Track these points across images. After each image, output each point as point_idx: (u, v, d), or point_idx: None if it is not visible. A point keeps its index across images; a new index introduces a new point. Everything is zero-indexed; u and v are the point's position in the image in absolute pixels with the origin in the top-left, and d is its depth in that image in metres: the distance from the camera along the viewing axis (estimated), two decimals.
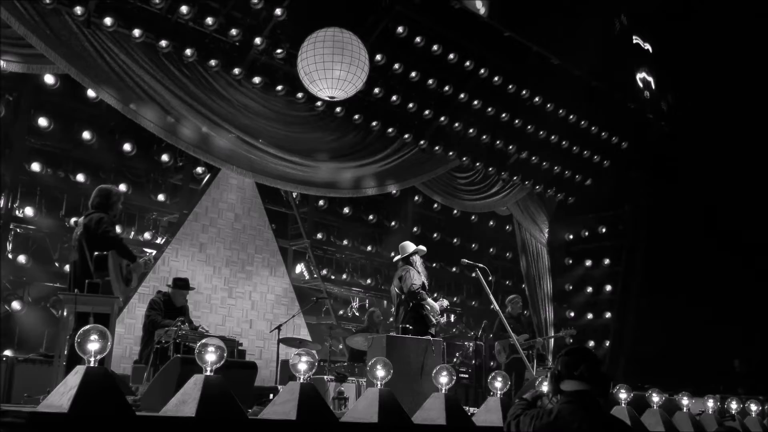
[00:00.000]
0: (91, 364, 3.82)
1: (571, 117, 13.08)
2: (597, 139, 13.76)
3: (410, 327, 7.93)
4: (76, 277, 6.77)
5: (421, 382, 7.14)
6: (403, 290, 8.18)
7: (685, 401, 7.57)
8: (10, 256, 9.31)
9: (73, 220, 7.14)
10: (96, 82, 8.83)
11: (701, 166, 13.42)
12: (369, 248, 13.54)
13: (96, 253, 6.67)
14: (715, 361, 12.21)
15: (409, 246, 8.59)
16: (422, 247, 8.62)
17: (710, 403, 7.93)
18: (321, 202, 12.71)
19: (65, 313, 6.42)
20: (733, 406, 8.07)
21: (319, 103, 10.50)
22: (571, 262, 15.60)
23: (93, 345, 3.83)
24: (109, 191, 7.25)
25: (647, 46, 14.68)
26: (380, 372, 5.22)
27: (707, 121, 13.47)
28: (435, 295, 8.47)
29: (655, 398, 7.13)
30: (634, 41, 14.54)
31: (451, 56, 11.20)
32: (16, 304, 9.12)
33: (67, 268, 9.63)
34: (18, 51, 8.44)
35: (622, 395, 6.73)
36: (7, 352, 8.43)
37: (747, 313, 12.37)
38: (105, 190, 7.24)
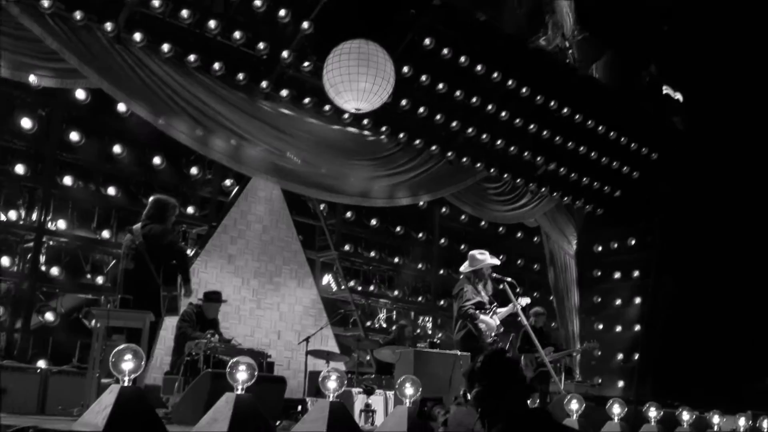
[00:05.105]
0: (125, 383, 3.87)
1: (600, 128, 13.00)
2: (626, 150, 13.67)
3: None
4: (127, 286, 6.86)
5: (449, 397, 7.13)
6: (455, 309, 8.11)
7: (716, 419, 7.48)
8: (43, 268, 9.46)
9: (134, 227, 7.24)
10: (128, 95, 8.94)
11: (732, 177, 13.28)
12: (396, 260, 13.55)
13: (173, 262, 6.80)
14: (746, 377, 12.03)
15: (476, 259, 8.18)
16: (492, 261, 8.21)
17: (742, 421, 7.81)
18: (348, 214, 12.75)
19: (98, 325, 6.53)
20: (765, 424, 7.95)
21: (346, 116, 10.54)
22: (599, 274, 15.49)
23: (127, 364, 3.88)
24: (166, 204, 7.33)
25: (678, 96, 14.61)
26: (409, 390, 5.23)
27: (739, 135, 13.33)
28: (491, 307, 8.16)
29: (686, 416, 7.05)
30: (665, 91, 14.49)
31: (479, 68, 11.20)
32: (49, 315, 9.27)
33: (99, 279, 9.85)
34: (51, 66, 8.57)
35: (652, 413, 6.67)
36: (41, 363, 8.56)
37: None
38: (162, 203, 7.32)
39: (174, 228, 7.25)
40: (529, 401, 5.89)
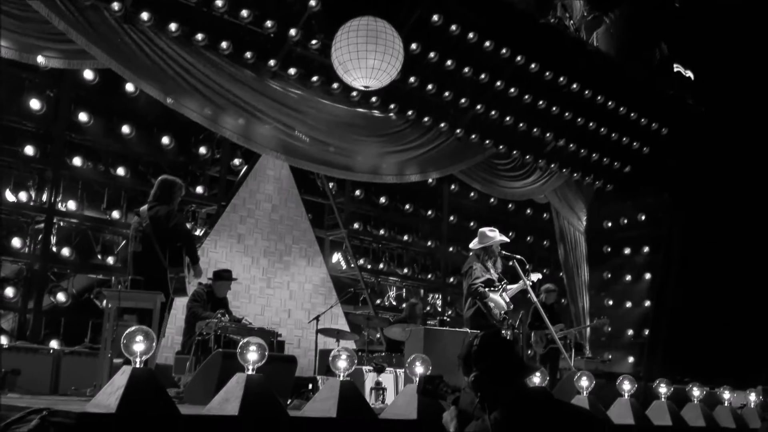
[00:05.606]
0: (137, 365, 3.90)
1: (610, 103, 12.88)
2: (636, 125, 13.54)
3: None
4: (136, 269, 6.90)
5: (459, 375, 7.12)
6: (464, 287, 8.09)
7: (726, 395, 7.48)
8: (54, 249, 9.52)
9: (141, 209, 7.27)
10: (137, 74, 8.89)
11: (742, 153, 13.19)
12: (405, 237, 13.56)
13: (179, 244, 6.84)
14: (756, 352, 12.01)
15: (486, 236, 8.09)
16: (502, 239, 8.12)
17: (752, 396, 7.82)
18: (357, 192, 12.74)
19: (109, 306, 6.58)
20: None
21: (354, 93, 10.49)
22: (609, 250, 15.47)
23: (138, 346, 3.90)
24: (173, 184, 7.36)
25: (689, 74, 14.45)
26: (419, 369, 5.25)
27: (751, 110, 13.22)
28: (501, 284, 8.10)
29: (696, 392, 7.06)
30: (675, 69, 14.33)
31: (487, 44, 11.10)
32: (60, 296, 9.35)
33: (110, 260, 9.90)
34: (58, 47, 8.52)
35: (662, 389, 6.68)
36: (53, 344, 8.64)
37: None
38: (168, 183, 7.35)
39: (181, 209, 7.25)
40: (538, 379, 5.93)
